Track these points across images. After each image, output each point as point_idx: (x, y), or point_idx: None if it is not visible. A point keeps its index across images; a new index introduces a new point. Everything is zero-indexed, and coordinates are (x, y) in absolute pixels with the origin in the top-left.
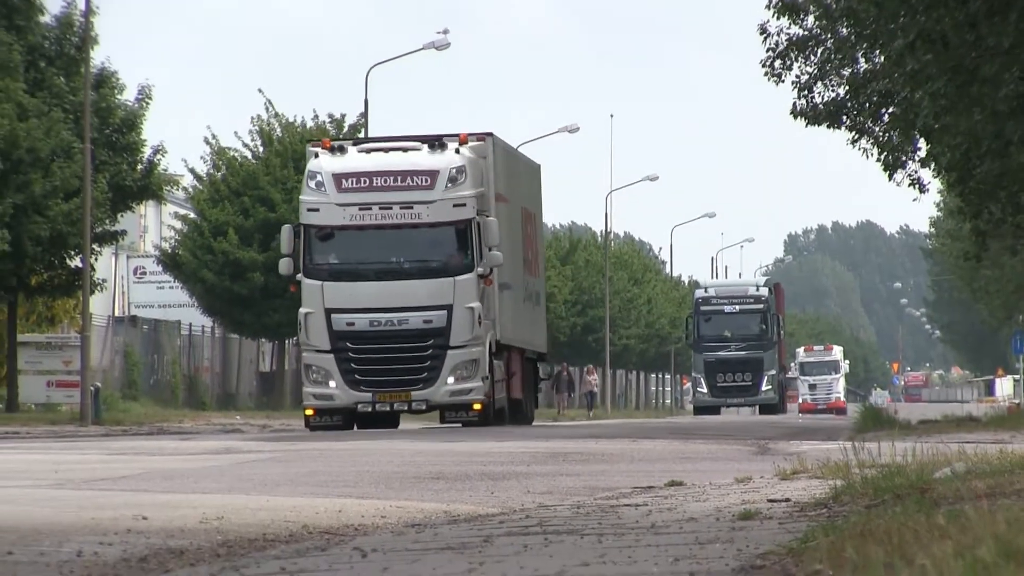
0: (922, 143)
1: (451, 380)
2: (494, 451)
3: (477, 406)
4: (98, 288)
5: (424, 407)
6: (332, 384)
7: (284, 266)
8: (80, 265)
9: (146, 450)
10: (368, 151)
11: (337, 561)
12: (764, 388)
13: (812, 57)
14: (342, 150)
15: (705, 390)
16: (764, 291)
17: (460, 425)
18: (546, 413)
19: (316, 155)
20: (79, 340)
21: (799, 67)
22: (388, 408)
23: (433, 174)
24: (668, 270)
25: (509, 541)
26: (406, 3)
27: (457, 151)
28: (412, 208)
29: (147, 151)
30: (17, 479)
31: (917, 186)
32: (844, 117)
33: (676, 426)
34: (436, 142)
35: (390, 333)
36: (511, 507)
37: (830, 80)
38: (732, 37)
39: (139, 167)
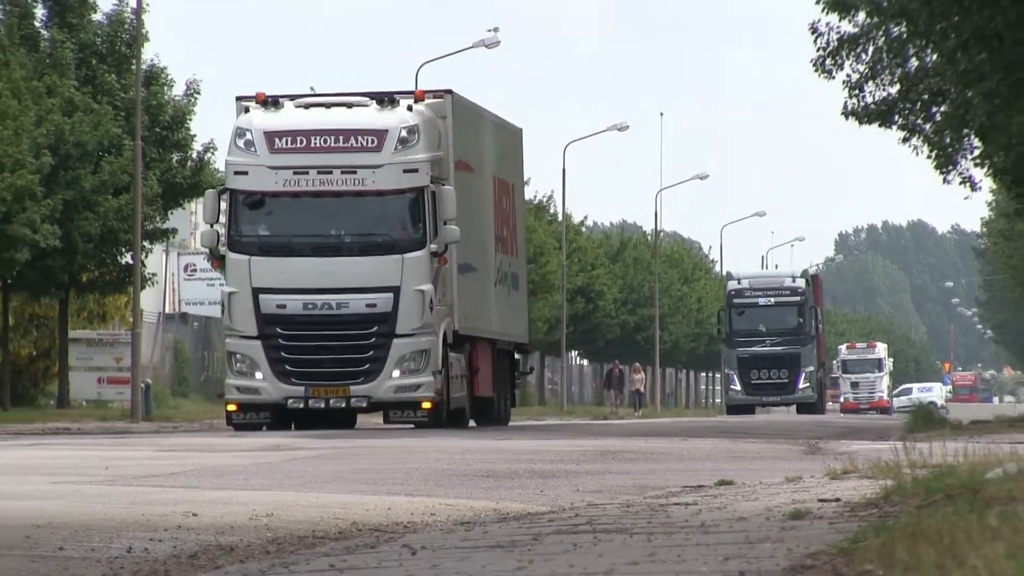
0: (975, 142)
1: (396, 374)
2: (544, 449)
3: (426, 404)
4: (148, 283)
5: (365, 404)
6: (259, 376)
7: (206, 238)
8: (131, 262)
9: (196, 447)
10: (307, 106)
11: (386, 558)
12: (801, 386)
13: (863, 56)
14: (276, 104)
15: (738, 388)
16: (801, 282)
17: (413, 427)
18: (596, 411)
19: (246, 110)
20: (130, 337)
21: (850, 66)
22: (323, 405)
23: (381, 134)
24: (718, 269)
25: (558, 539)
26: (456, 1)
27: (410, 108)
28: (356, 173)
29: (196, 147)
30: (68, 475)
31: (969, 185)
32: (895, 116)
33: (725, 425)
34: (386, 98)
35: (327, 318)
36: (560, 505)
37: (881, 79)
38: (783, 35)
39: (189, 164)
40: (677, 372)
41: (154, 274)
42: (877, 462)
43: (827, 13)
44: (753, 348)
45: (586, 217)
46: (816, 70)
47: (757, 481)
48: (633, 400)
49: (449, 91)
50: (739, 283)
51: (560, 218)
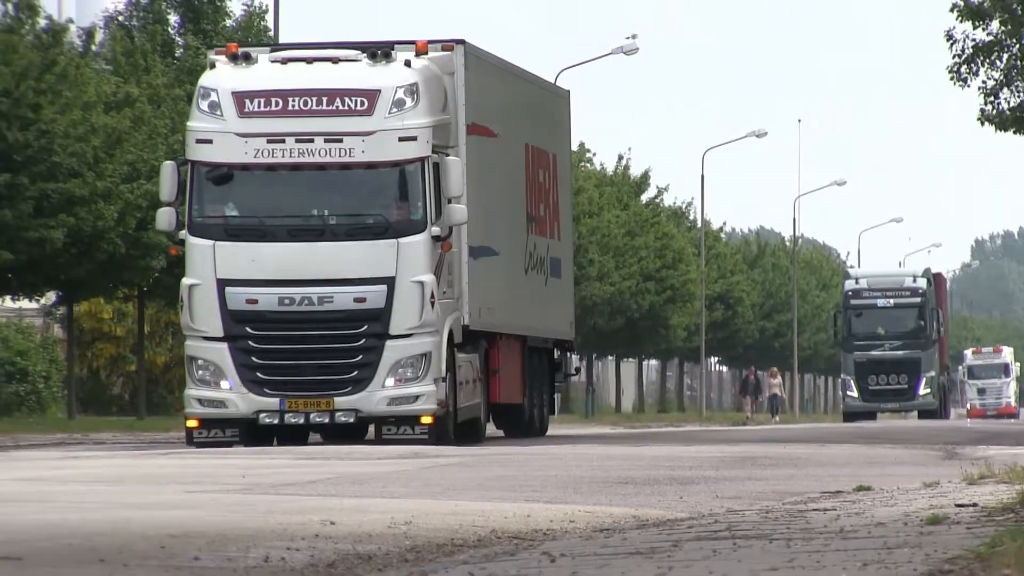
0: None
1: (391, 382)
2: (683, 455)
3: (427, 419)
4: None
5: (352, 419)
6: (225, 385)
7: (163, 219)
8: None
9: (334, 454)
10: (284, 61)
11: (526, 566)
12: (922, 392)
13: (998, 63)
14: (248, 59)
15: (855, 394)
16: (922, 282)
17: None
18: (735, 417)
19: (212, 65)
20: None
21: (985, 72)
22: (302, 420)
23: (372, 95)
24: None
25: (698, 546)
26: (596, 7)
27: (409, 64)
28: (342, 141)
29: None
30: (205, 484)
31: None
32: None
33: (863, 431)
34: (380, 51)
35: (306, 316)
36: (700, 511)
37: (1016, 85)
38: (919, 40)
39: None
40: (816, 378)
41: None
42: (1013, 467)
43: (961, 21)
44: (871, 352)
45: (724, 223)
46: (952, 77)
47: (895, 486)
48: (771, 405)
49: (461, 40)
50: (857, 282)
51: (699, 224)
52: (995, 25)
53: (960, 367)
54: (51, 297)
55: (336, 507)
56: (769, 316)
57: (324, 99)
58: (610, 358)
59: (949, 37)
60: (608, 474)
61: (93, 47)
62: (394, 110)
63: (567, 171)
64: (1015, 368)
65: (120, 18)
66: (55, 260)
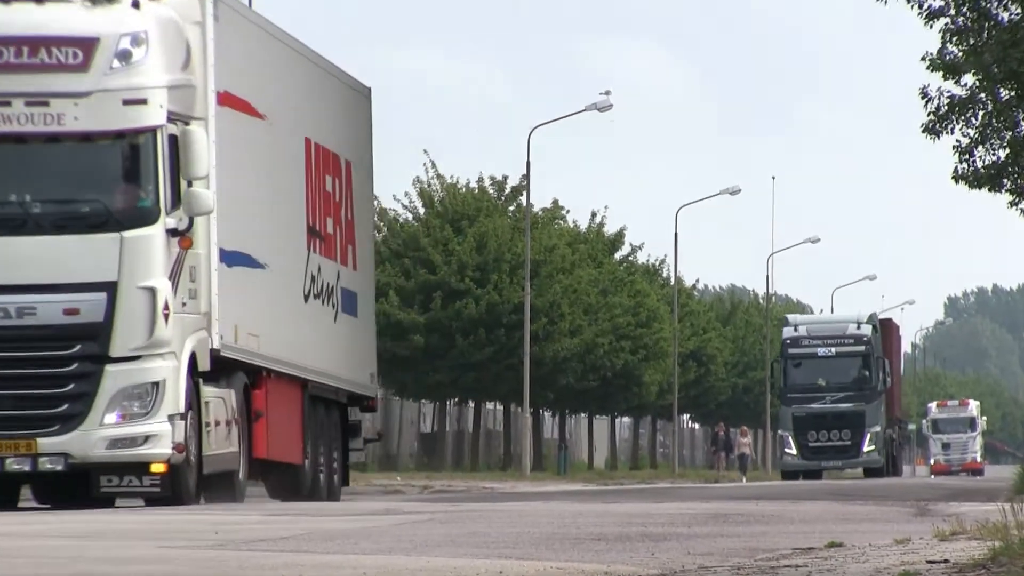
0: None
1: (111, 419)
2: (655, 512)
3: (158, 466)
4: None
5: (61, 466)
6: None
7: None
8: None
9: (306, 511)
10: None
11: None
12: (866, 449)
13: (973, 120)
14: None
15: (794, 451)
16: (867, 328)
17: (143, 503)
18: (708, 475)
19: None
20: None
21: (960, 130)
22: None
23: (88, 44)
24: None
25: None
26: (569, 64)
27: (136, 5)
28: (48, 105)
29: None
30: (176, 539)
31: None
32: (1005, 180)
33: (834, 488)
34: None
35: (0, 333)
36: (672, 568)
37: (991, 143)
38: (893, 100)
39: None
40: None
41: None
42: (985, 523)
43: (931, 71)
44: (811, 405)
45: (697, 280)
46: (926, 134)
47: (867, 543)
48: (740, 463)
49: None
50: (795, 330)
51: (672, 282)
52: (969, 79)
53: (924, 421)
54: None
55: (308, 563)
56: (742, 373)
57: (25, 49)
58: (583, 415)
59: (924, 95)
60: (580, 530)
61: None
62: (117, 65)
63: (367, 187)
64: (981, 423)
65: None
66: None
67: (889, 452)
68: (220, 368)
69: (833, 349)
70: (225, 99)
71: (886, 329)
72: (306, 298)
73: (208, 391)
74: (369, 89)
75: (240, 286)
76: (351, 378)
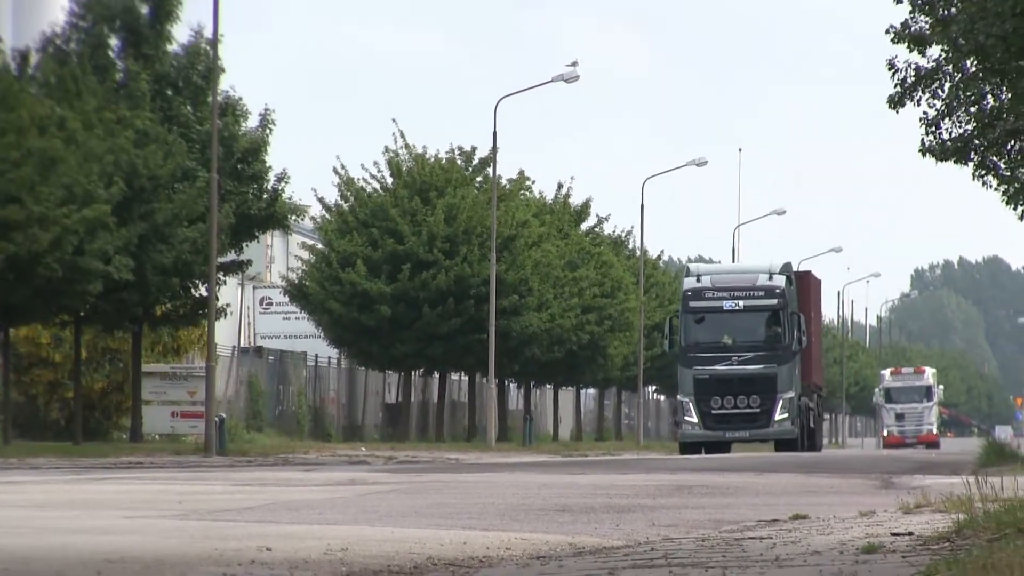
0: None
1: None
2: (620, 484)
3: None
4: (223, 314)
5: None
6: None
7: None
8: (205, 294)
9: (271, 481)
10: None
11: None
12: (777, 417)
13: (940, 92)
14: None
15: (695, 419)
16: (780, 280)
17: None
18: (671, 446)
19: None
20: (204, 370)
21: (927, 102)
22: None
23: None
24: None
25: (634, 574)
26: (536, 35)
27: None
28: None
29: (271, 178)
30: (142, 510)
31: None
32: (971, 153)
33: (801, 460)
34: None
35: None
36: (636, 540)
37: (958, 116)
38: (860, 72)
39: (264, 195)
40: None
41: (228, 305)
42: (949, 496)
43: (895, 42)
44: (715, 367)
45: (663, 252)
46: (892, 106)
47: (831, 515)
48: None
49: None
50: (697, 280)
51: (638, 253)
52: (936, 51)
53: (877, 389)
54: None
55: (273, 533)
56: None
57: None
58: (548, 386)
59: (892, 67)
60: (545, 502)
61: (28, 70)
62: None
63: None
64: (938, 392)
65: (58, 41)
66: None
67: (804, 423)
68: None
69: (740, 303)
70: None
71: (803, 282)
72: None
73: None
74: None
75: None
76: None
